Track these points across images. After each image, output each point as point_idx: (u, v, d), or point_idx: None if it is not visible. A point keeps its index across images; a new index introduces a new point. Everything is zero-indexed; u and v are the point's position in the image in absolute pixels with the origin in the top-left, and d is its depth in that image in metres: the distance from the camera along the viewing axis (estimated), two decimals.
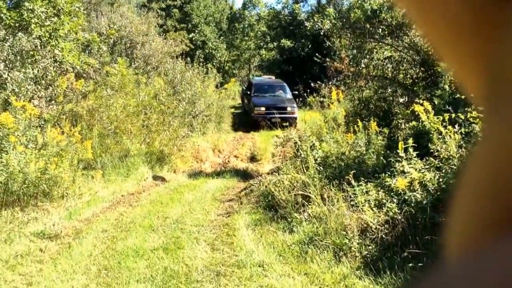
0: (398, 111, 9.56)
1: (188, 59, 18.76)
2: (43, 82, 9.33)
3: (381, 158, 7.21)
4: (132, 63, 16.21)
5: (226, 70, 32.38)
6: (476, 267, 0.18)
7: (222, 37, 33.32)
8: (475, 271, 0.18)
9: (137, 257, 5.45)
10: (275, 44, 26.04)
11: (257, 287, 4.67)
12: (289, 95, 19.19)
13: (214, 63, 30.46)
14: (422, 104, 6.49)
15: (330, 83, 16.71)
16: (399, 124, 9.33)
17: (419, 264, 4.44)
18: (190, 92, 15.18)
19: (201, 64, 19.23)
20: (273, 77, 22.69)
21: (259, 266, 5.15)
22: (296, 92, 19.89)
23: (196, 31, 31.80)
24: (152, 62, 17.64)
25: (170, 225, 6.69)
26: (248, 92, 19.46)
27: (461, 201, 0.22)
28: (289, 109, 17.37)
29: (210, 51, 31.59)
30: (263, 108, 17.52)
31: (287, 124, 16.46)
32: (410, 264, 4.49)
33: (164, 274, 4.94)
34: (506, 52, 0.21)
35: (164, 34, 22.63)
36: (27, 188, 6.87)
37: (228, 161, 13.01)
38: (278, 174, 7.86)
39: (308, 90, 18.75)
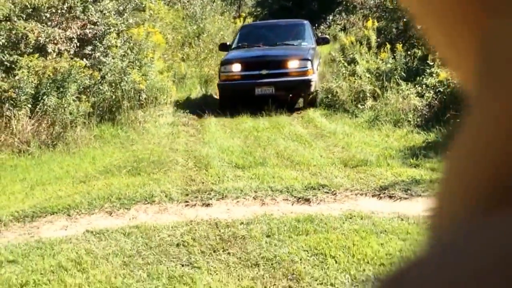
0: (412, 35, 12.73)
1: None
2: None
3: (406, 70, 10.43)
4: None
5: None
6: (469, 239, 0.19)
7: None
8: (469, 242, 0.19)
9: (260, 132, 8.60)
10: None
11: (350, 141, 7.87)
12: (310, 42, 11.27)
13: None
14: None
15: (340, 15, 19.78)
16: (415, 46, 12.53)
17: (457, 120, 7.75)
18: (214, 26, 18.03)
19: None
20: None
21: (344, 134, 8.35)
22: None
23: None
24: None
25: (261, 119, 9.83)
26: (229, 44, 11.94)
27: (450, 177, 0.24)
28: (292, 64, 9.94)
29: None
30: (236, 67, 10.10)
31: (290, 98, 10.33)
32: (451, 121, 7.80)
33: (289, 137, 8.13)
34: (505, 28, 0.22)
35: None
36: (150, 93, 9.87)
37: None
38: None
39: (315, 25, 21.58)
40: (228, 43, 11.95)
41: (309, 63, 9.99)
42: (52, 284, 3.72)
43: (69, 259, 4.10)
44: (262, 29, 12.09)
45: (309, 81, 9.91)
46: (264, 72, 9.75)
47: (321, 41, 11.74)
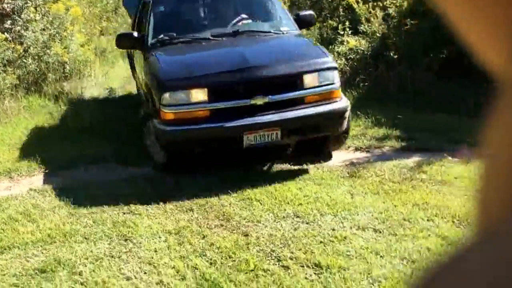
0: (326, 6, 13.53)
1: None
2: None
3: (320, 40, 11.21)
4: None
5: None
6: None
7: None
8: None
9: None
10: None
11: None
12: (289, 25, 6.29)
13: None
14: None
15: None
16: (328, 17, 13.32)
17: (365, 84, 8.60)
18: None
19: None
20: None
21: None
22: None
23: None
24: None
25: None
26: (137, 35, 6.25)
27: (487, 187, 0.23)
28: (310, 79, 5.20)
29: None
30: (198, 94, 5.04)
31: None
32: (361, 85, 8.62)
33: None
34: None
35: None
36: (73, 65, 10.13)
37: None
38: None
39: None
40: (135, 35, 6.30)
41: (336, 74, 5.45)
42: (7, 232, 4.16)
43: (18, 212, 4.52)
44: (194, 3, 6.49)
45: (342, 112, 5.36)
46: (259, 100, 5.05)
47: (302, 21, 6.55)
